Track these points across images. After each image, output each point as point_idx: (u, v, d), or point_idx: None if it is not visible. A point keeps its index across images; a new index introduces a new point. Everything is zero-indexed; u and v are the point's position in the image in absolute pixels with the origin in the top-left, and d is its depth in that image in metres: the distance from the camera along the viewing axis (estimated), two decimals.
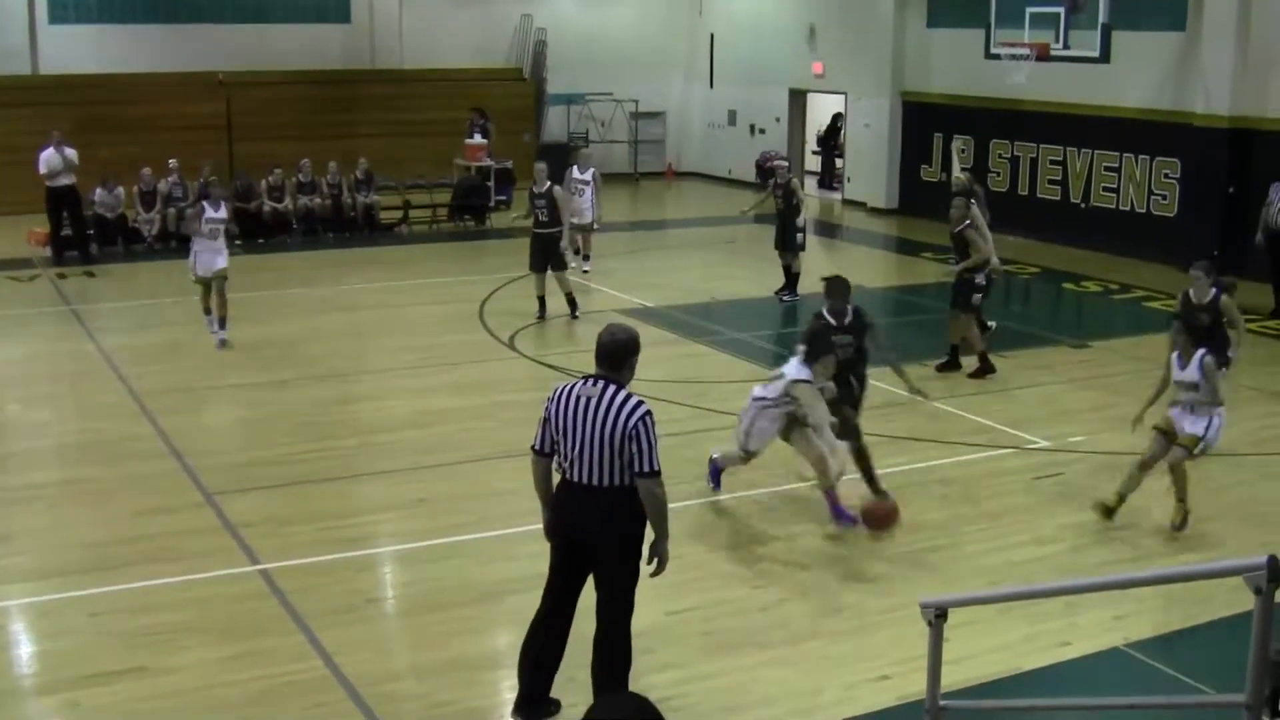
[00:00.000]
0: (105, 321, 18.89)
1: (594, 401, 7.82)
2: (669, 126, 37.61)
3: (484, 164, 29.46)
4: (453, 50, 34.14)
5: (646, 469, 7.82)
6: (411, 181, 28.71)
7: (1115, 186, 25.51)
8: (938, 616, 7.02)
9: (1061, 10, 24.16)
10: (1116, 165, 25.47)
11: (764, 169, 31.93)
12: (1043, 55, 24.58)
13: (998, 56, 25.74)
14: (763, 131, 34.96)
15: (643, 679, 8.56)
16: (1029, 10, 24.54)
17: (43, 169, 24.15)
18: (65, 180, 24.20)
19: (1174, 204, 24.45)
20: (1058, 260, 24.56)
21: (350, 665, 9.05)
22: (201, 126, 30.18)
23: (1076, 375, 17.01)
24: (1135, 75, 24.62)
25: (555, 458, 8.03)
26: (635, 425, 7.79)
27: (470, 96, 31.85)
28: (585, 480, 7.88)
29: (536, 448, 8.08)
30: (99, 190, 25.19)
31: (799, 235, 20.99)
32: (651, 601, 10.06)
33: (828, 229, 29.77)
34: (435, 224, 28.05)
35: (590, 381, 7.94)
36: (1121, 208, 25.37)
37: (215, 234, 17.70)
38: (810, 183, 34.40)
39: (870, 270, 22.79)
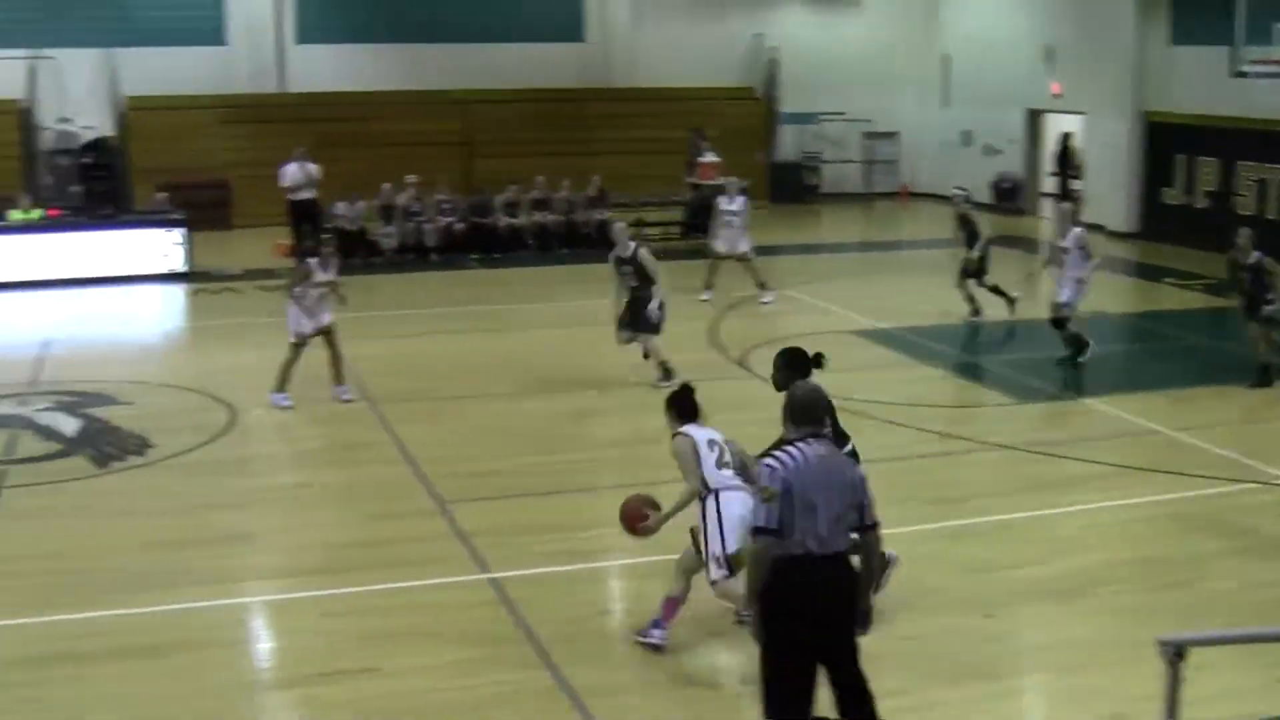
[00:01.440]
0: (344, 331, 19.25)
1: (828, 461, 7.37)
2: (902, 146, 37.26)
3: (716, 182, 29.46)
4: (685, 69, 34.29)
5: (875, 519, 7.51)
6: (645, 199, 28.89)
7: None
8: (1176, 655, 6.79)
9: None
10: None
11: (1002, 190, 31.47)
12: None
13: (1245, 74, 24.92)
14: (998, 152, 34.41)
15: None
16: (1278, 26, 23.70)
17: (286, 182, 24.91)
18: (307, 194, 24.91)
19: None
20: None
21: (578, 677, 9.07)
22: (439, 143, 30.83)
23: None
24: None
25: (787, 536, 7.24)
26: (860, 476, 7.51)
27: (702, 115, 31.91)
28: (836, 548, 7.33)
29: (771, 525, 7.21)
30: (340, 204, 25.88)
31: (981, 260, 20.55)
32: (880, 625, 9.94)
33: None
34: (667, 241, 28.17)
35: (816, 442, 7.40)
36: None
37: (322, 297, 16.25)
38: (1046, 205, 33.78)
39: (1110, 296, 22.21)
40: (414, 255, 26.44)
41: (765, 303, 22.11)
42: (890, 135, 36.93)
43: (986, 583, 10.86)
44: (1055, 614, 10.32)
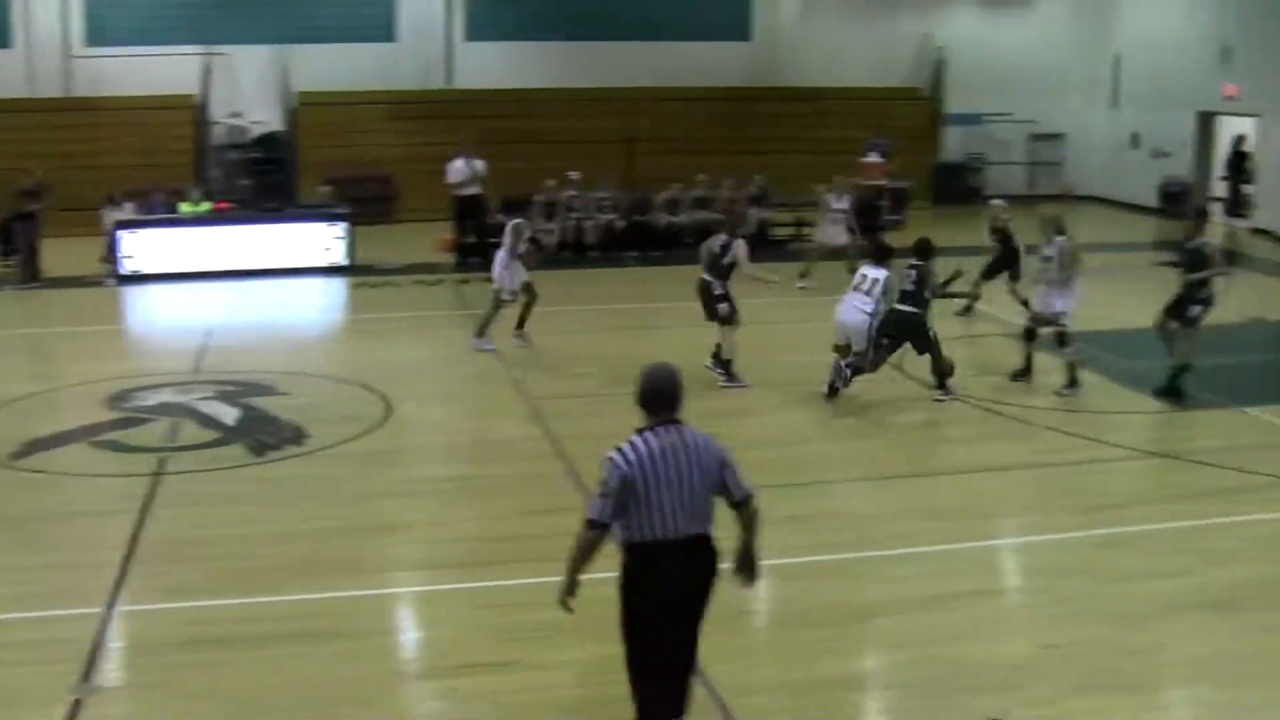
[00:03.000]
0: (502, 325, 19.55)
1: (679, 448, 7.52)
2: (1069, 148, 36.69)
3: (879, 183, 29.29)
4: (852, 69, 34.13)
5: (748, 489, 7.69)
6: (806, 199, 28.79)
7: None
8: None
9: None
10: None
11: (1170, 195, 30.86)
12: None
13: None
14: (1168, 155, 33.73)
15: (1010, 713, 8.39)
16: None
17: (452, 178, 25.22)
18: (472, 190, 25.20)
19: None
20: None
21: (720, 675, 9.09)
22: (602, 140, 30.99)
23: None
24: None
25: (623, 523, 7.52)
26: (720, 455, 7.63)
27: (869, 115, 31.77)
28: (687, 532, 7.53)
29: (603, 520, 7.49)
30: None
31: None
32: (1023, 634, 9.89)
33: (1233, 258, 28.50)
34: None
35: (664, 430, 7.55)
36: None
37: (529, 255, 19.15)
38: (1217, 209, 33.04)
39: (1275, 301, 21.70)
40: (573, 252, 26.63)
41: (799, 287, 22.72)
42: (1057, 137, 36.41)
43: (1136, 593, 10.69)
44: (1204, 627, 10.13)
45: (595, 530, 7.52)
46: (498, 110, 30.68)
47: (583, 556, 7.65)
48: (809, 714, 8.80)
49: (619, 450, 7.50)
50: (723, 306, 16.92)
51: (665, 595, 7.62)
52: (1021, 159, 36.14)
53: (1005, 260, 20.87)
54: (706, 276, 17.12)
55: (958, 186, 34.92)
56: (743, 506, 7.72)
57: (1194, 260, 16.40)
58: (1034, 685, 9.06)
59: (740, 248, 17.01)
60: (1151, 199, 31.95)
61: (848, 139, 30.45)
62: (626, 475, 7.40)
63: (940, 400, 16.09)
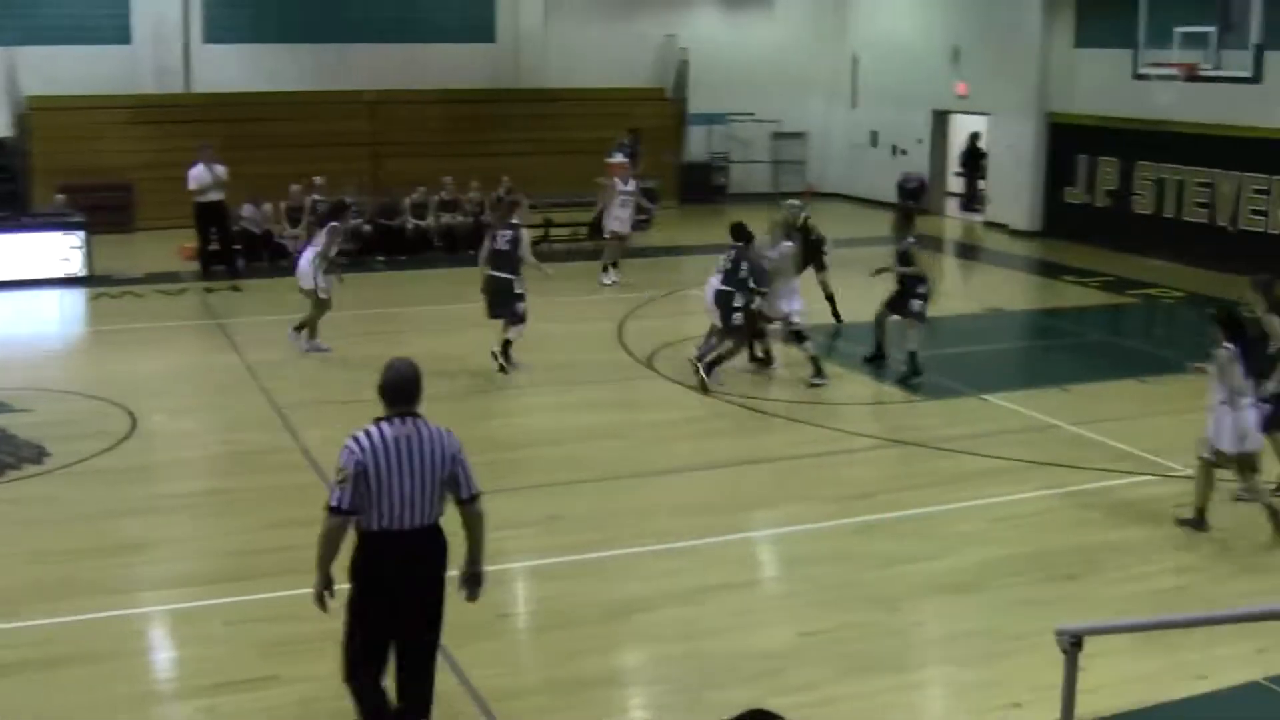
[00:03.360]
0: (250, 335, 19.19)
1: (413, 439, 7.60)
2: (810, 147, 37.51)
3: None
4: (596, 70, 34.29)
5: (476, 489, 7.80)
6: (552, 199, 28.90)
7: (1265, 209, 24.94)
8: (1073, 644, 6.94)
9: (1212, 30, 23.67)
10: (1267, 188, 24.89)
11: (906, 190, 31.75)
12: (1192, 75, 24.10)
13: (1146, 77, 25.30)
14: (904, 153, 34.70)
15: (771, 700, 8.47)
16: (1178, 30, 24.05)
17: (192, 185, 24.62)
18: (214, 196, 24.66)
19: None
20: (1205, 285, 24.04)
21: (482, 679, 9.10)
22: (348, 144, 30.63)
23: None
24: None
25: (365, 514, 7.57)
26: (454, 450, 7.73)
27: (613, 116, 31.93)
28: (416, 523, 7.60)
29: (343, 507, 7.52)
30: (247, 206, 25.69)
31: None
32: (783, 623, 10.08)
33: (968, 251, 29.54)
34: (576, 242, 28.18)
35: (399, 421, 7.65)
36: (1271, 231, 24.77)
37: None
38: (952, 204, 34.14)
39: (1011, 293, 22.53)
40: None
41: (604, 283, 23.42)
42: (798, 136, 37.15)
43: (889, 578, 11.00)
44: (955, 607, 10.48)
45: (337, 517, 7.54)
46: (239, 114, 30.04)
47: (329, 547, 7.65)
48: (573, 714, 8.83)
49: (354, 438, 7.55)
50: (521, 305, 17.05)
51: (391, 585, 7.64)
52: (765, 158, 36.76)
53: (809, 256, 20.93)
54: (499, 274, 17.13)
55: (703, 186, 35.37)
56: (469, 505, 7.79)
57: (903, 258, 17.39)
58: (795, 672, 9.26)
59: (525, 237, 17.35)
60: (891, 195, 32.80)
61: (593, 139, 30.57)
62: (360, 462, 7.45)
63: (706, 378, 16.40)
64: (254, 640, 9.77)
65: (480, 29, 34.06)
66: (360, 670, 7.81)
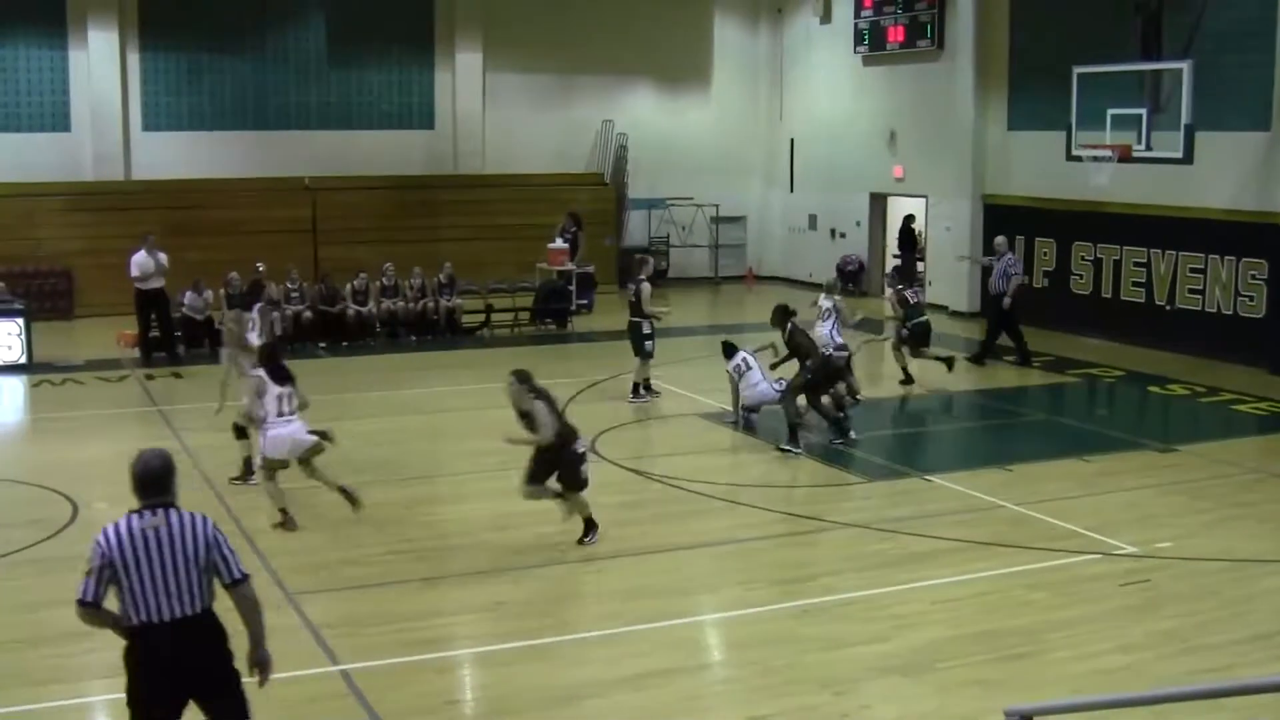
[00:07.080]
0: (191, 421, 19.03)
1: (163, 530, 7.50)
2: (749, 231, 37.79)
3: (566, 268, 29.62)
4: (535, 156, 34.55)
5: (240, 574, 7.70)
6: (494, 285, 28.96)
7: (1201, 288, 25.25)
8: None
9: (1144, 112, 24.11)
10: (1202, 267, 25.22)
11: (845, 273, 32.01)
12: (1125, 157, 24.50)
13: (1079, 158, 25.70)
14: (843, 235, 35.03)
15: None
16: (1110, 112, 24.49)
17: (135, 272, 24.56)
18: (156, 283, 24.60)
19: (1262, 305, 24.08)
20: (1143, 363, 24.31)
21: None
22: (288, 230, 30.66)
23: (1163, 480, 16.72)
24: (1219, 176, 24.42)
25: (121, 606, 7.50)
26: (211, 536, 7.64)
27: (552, 201, 32.16)
28: (179, 614, 7.47)
29: (87, 599, 7.45)
30: (189, 293, 25.62)
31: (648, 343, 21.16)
32: (730, 707, 10.03)
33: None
34: (517, 328, 28.22)
35: (150, 513, 7.55)
36: (1208, 309, 25.09)
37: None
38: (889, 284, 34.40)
39: (953, 374, 22.64)
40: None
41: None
42: (738, 220, 37.44)
43: (835, 660, 10.96)
44: (903, 689, 10.44)
45: (83, 608, 7.50)
46: (179, 201, 30.05)
47: (96, 625, 7.67)
48: None
49: (103, 531, 7.52)
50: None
51: (155, 677, 7.52)
52: (705, 242, 36.98)
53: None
54: None
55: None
56: (236, 588, 7.68)
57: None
58: None
59: None
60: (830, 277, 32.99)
61: (533, 225, 30.82)
62: (105, 554, 7.42)
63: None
64: None
65: (419, 116, 34.26)
66: None
